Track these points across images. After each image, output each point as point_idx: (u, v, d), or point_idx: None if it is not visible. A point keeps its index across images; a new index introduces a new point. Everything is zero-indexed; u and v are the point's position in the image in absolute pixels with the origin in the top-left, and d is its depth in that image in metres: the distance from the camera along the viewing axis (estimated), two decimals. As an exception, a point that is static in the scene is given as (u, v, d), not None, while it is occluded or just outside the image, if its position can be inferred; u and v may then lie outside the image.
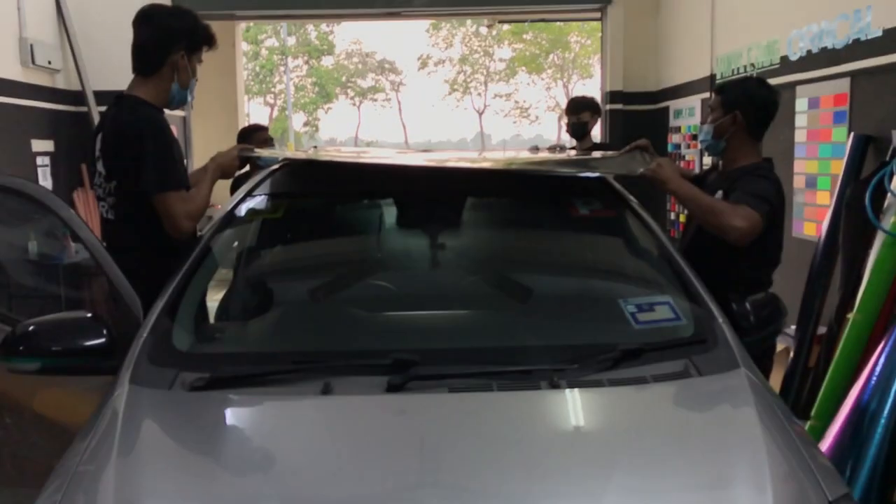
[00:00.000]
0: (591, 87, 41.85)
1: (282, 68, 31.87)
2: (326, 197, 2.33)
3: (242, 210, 2.32)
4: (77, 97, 5.95)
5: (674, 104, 6.55)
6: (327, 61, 36.48)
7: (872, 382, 3.14)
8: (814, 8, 4.21)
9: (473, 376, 1.66)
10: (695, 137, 6.09)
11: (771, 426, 1.50)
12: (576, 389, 1.62)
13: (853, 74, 3.86)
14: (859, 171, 3.71)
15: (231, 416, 1.66)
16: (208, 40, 2.50)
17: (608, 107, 6.99)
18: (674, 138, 6.54)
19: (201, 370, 1.70)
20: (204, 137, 7.58)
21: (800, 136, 4.39)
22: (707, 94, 5.79)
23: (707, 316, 1.90)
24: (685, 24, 6.26)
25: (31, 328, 1.91)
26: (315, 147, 3.64)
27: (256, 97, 31.06)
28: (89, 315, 1.99)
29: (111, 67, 6.03)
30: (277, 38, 30.59)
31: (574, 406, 1.63)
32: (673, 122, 6.57)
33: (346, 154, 2.67)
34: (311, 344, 1.93)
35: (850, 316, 3.34)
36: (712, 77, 5.70)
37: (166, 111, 2.61)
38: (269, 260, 2.40)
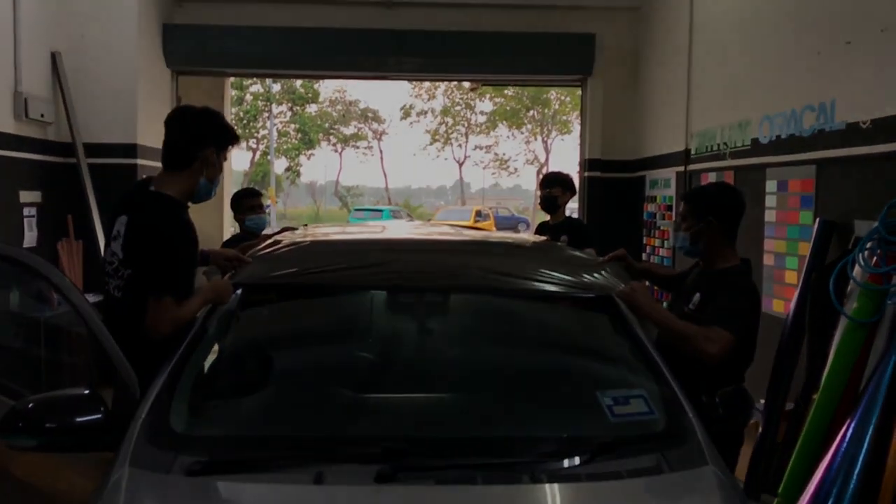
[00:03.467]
0: (570, 143, 42.71)
1: (266, 114, 32.22)
2: (320, 284, 2.41)
3: (240, 291, 2.41)
4: (67, 149, 6.04)
5: (650, 174, 6.77)
6: (311, 108, 36.89)
7: (836, 463, 3.26)
8: (784, 96, 4.45)
9: (459, 468, 1.75)
10: (669, 208, 6.30)
11: None
12: (555, 484, 1.72)
13: (819, 162, 4.07)
14: (824, 255, 3.88)
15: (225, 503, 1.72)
16: (234, 140, 2.74)
17: (587, 174, 7.21)
18: (649, 207, 6.75)
19: (198, 454, 1.77)
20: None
21: (769, 216, 4.58)
22: (681, 168, 6.03)
23: (678, 410, 2.01)
24: (662, 98, 6.52)
25: (30, 405, 1.97)
26: (305, 225, 3.71)
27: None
28: (86, 392, 2.04)
29: (102, 121, 6.19)
30: (263, 84, 30.97)
31: (554, 501, 1.72)
32: (649, 192, 6.78)
33: (335, 258, 2.73)
34: (304, 429, 2.01)
35: (816, 397, 3.47)
36: (687, 152, 5.93)
37: None
38: (264, 341, 2.47)
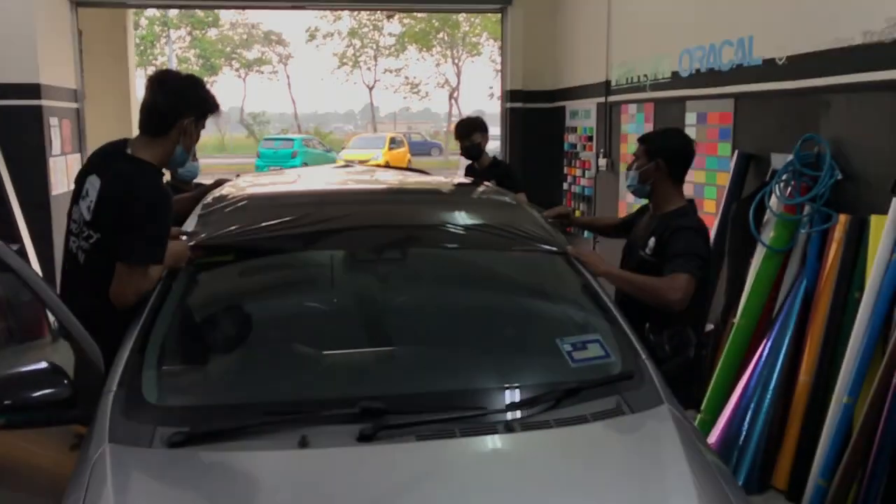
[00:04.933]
0: (480, 66, 42.31)
1: (164, 39, 30.47)
2: (279, 241, 2.40)
3: (196, 251, 2.37)
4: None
5: (570, 105, 6.87)
6: (211, 32, 35.11)
7: (753, 381, 3.56)
8: (703, 30, 4.57)
9: (438, 423, 1.83)
10: (590, 139, 6.45)
11: (692, 458, 1.78)
12: (529, 432, 1.83)
13: (737, 96, 4.25)
14: (742, 186, 4.12)
15: (215, 475, 1.73)
16: (215, 110, 2.65)
17: (508, 105, 7.26)
18: (570, 138, 6.88)
19: (177, 424, 1.78)
20: (95, 123, 7.27)
21: (689, 147, 4.77)
22: (602, 99, 6.15)
23: (632, 352, 2.16)
24: (583, 29, 6.56)
25: (-6, 383, 1.92)
26: (238, 175, 3.64)
27: (137, 70, 29.46)
28: (47, 365, 2.00)
29: (7, 59, 5.76)
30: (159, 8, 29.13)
31: (529, 448, 1.83)
32: (569, 122, 6.90)
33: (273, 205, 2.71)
34: (281, 393, 2.03)
35: (735, 321, 3.75)
36: (607, 83, 6.04)
37: None
38: (228, 304, 2.45)
